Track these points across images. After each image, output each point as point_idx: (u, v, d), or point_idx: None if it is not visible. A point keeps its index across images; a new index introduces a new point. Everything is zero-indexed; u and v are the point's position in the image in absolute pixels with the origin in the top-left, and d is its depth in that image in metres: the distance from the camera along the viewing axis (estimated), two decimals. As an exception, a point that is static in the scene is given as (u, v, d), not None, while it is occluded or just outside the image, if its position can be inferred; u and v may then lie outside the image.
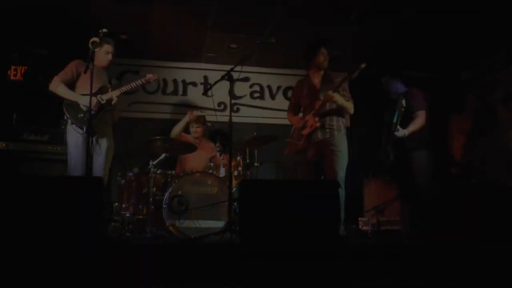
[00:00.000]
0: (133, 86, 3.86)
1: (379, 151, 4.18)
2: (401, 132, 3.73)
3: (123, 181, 4.05)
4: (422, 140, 3.90)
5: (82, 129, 3.56)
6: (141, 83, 3.92)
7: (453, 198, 3.15)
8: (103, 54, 3.81)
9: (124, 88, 3.79)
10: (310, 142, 3.79)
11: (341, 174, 3.62)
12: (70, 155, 3.62)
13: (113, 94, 3.72)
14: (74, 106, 3.61)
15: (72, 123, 3.61)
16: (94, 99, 3.56)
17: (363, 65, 3.59)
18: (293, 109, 4.06)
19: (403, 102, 3.66)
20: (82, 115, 3.58)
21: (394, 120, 3.77)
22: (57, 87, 3.65)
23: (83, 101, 3.55)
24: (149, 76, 3.95)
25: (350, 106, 3.80)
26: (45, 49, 4.82)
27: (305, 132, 3.79)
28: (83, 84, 3.62)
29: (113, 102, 3.72)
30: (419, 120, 3.86)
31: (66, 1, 4.18)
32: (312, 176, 3.79)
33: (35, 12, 4.34)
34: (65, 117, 3.64)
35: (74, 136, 3.60)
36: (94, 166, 3.64)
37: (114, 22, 4.13)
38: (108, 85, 3.81)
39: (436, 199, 3.61)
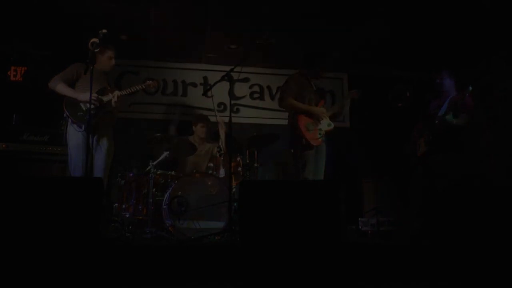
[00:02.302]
0: (133, 91, 3.90)
1: (408, 143, 4.19)
2: (450, 117, 3.78)
3: (123, 181, 4.04)
4: (460, 142, 3.89)
5: (81, 127, 3.57)
6: (141, 88, 3.97)
7: (454, 198, 3.14)
8: (107, 59, 3.85)
9: (124, 92, 3.83)
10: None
11: None
12: (71, 156, 3.62)
13: (114, 95, 3.73)
14: (74, 104, 3.62)
15: (72, 122, 3.61)
16: (93, 96, 3.56)
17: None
18: (294, 97, 4.01)
19: (470, 88, 3.69)
20: (81, 113, 3.60)
21: (442, 113, 3.83)
22: (57, 85, 3.68)
23: (82, 97, 3.56)
24: (149, 82, 4.00)
25: None
26: (45, 50, 4.82)
27: (329, 130, 4.00)
28: (83, 86, 3.63)
29: (113, 102, 3.73)
30: (466, 119, 3.85)
31: (66, 2, 4.19)
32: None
33: (35, 13, 4.34)
34: (65, 115, 3.64)
35: (74, 136, 3.61)
36: (94, 167, 3.66)
37: (114, 23, 4.14)
38: (108, 87, 3.83)
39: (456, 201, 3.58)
